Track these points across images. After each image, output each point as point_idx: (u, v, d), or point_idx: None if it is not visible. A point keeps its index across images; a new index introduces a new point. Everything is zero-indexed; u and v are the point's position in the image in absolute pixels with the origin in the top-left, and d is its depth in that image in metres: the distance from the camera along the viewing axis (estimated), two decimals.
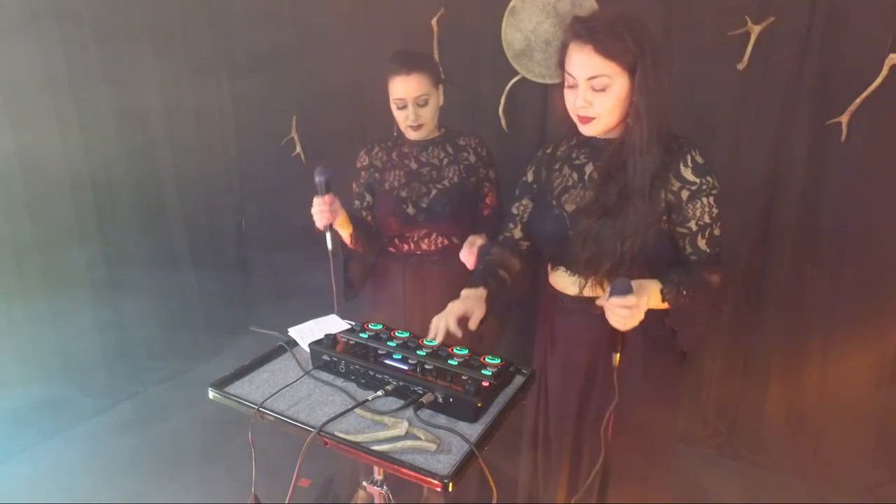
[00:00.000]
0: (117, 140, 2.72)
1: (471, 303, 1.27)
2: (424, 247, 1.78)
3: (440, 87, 1.72)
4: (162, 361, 3.03)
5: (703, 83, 2.03)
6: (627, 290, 1.09)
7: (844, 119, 1.85)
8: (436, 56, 2.43)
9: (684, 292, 1.21)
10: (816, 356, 2.11)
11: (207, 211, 3.24)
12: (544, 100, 2.25)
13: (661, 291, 1.20)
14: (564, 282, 1.37)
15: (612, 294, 1.10)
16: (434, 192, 1.74)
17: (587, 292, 1.31)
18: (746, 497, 2.15)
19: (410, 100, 1.64)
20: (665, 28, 2.03)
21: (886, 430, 2.06)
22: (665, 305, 1.21)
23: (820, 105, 1.90)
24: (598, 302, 1.15)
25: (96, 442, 2.51)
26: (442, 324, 1.21)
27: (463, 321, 1.26)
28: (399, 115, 1.69)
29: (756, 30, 1.90)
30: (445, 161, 1.76)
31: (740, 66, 1.96)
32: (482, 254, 1.49)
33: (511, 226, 1.48)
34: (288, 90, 2.90)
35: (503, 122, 2.39)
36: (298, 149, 2.98)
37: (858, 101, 1.82)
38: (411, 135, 1.73)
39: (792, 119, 1.96)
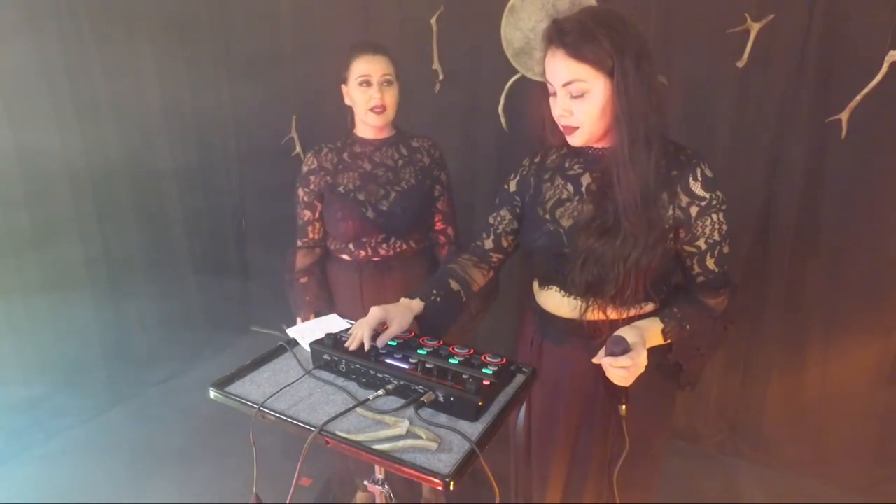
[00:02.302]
0: (117, 140, 2.71)
1: (392, 314, 1.16)
2: (382, 252, 1.71)
3: (399, 85, 1.68)
4: (162, 361, 3.03)
5: (703, 81, 2.03)
6: (623, 350, 1.05)
7: (844, 116, 1.85)
8: (435, 55, 2.43)
9: (687, 327, 1.16)
10: (817, 354, 2.11)
11: (207, 211, 3.24)
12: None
13: (663, 332, 1.15)
14: (557, 303, 1.26)
15: (607, 354, 1.07)
16: (393, 194, 1.68)
17: (589, 316, 1.20)
18: (747, 496, 2.15)
19: (376, 78, 1.60)
20: (664, 26, 2.03)
21: (887, 427, 2.06)
22: (668, 341, 1.17)
23: (819, 102, 1.89)
24: (595, 360, 1.10)
25: (96, 442, 2.51)
26: (358, 334, 1.13)
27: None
28: (361, 97, 1.62)
29: (756, 27, 1.90)
30: (401, 162, 1.71)
31: (740, 64, 1.96)
32: (446, 261, 1.39)
33: (484, 235, 1.37)
34: (288, 89, 2.90)
35: (503, 121, 2.39)
36: (298, 148, 2.98)
37: (858, 98, 1.82)
38: (372, 120, 1.64)
39: (791, 116, 1.95)
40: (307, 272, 1.76)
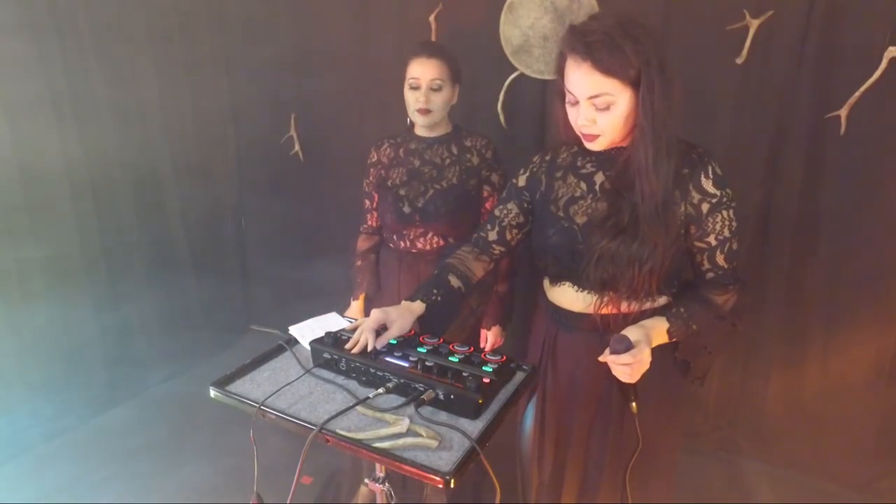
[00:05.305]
0: (117, 140, 2.71)
1: (392, 316, 1.17)
2: (420, 246, 1.78)
3: (456, 87, 1.74)
4: (162, 361, 3.02)
5: (702, 78, 2.02)
6: (626, 347, 1.07)
7: (843, 112, 1.85)
8: None
9: (694, 326, 1.17)
10: (817, 351, 2.11)
11: (207, 210, 3.23)
12: (543, 96, 2.25)
13: (668, 331, 1.16)
14: (571, 298, 1.27)
15: (611, 352, 1.08)
16: (431, 192, 1.73)
17: (603, 311, 1.21)
18: (747, 492, 2.15)
19: (425, 82, 1.65)
20: (664, 22, 2.02)
21: (887, 424, 2.06)
22: (674, 340, 1.18)
23: (819, 98, 1.89)
24: (601, 358, 1.11)
25: (97, 442, 2.51)
26: (362, 338, 1.13)
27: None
28: (410, 97, 1.69)
29: (755, 24, 1.90)
30: (448, 161, 1.75)
31: (739, 61, 1.95)
32: (445, 254, 1.40)
33: (488, 227, 1.37)
34: (287, 89, 2.90)
35: (502, 118, 2.38)
36: (297, 147, 2.98)
37: (857, 94, 1.82)
38: (418, 120, 1.71)
39: (791, 113, 1.95)
40: (363, 256, 1.91)
